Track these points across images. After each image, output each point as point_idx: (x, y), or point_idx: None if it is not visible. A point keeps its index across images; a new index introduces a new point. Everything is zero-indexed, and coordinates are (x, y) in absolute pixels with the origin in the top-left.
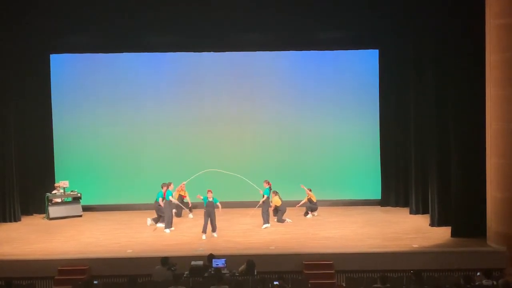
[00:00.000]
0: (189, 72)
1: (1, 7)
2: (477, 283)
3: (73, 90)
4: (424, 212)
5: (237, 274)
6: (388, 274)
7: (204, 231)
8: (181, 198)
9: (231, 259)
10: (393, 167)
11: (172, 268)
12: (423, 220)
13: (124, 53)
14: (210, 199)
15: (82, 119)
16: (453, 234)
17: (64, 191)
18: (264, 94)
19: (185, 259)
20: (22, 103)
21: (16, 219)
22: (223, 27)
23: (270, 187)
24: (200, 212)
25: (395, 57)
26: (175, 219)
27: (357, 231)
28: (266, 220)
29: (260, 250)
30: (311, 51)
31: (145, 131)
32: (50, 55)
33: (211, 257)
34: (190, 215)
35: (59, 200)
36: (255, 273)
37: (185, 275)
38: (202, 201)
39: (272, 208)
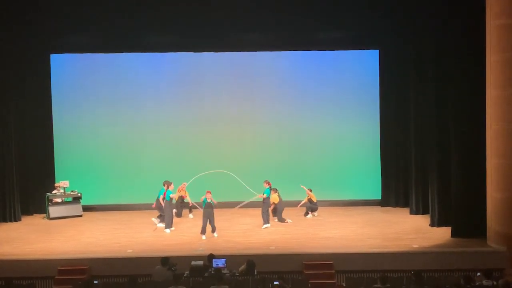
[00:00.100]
0: (189, 72)
1: (1, 7)
2: (477, 283)
3: (73, 90)
4: (424, 212)
5: (237, 274)
6: (388, 274)
7: (203, 232)
8: (181, 198)
9: (231, 259)
10: (393, 167)
11: (172, 268)
12: (423, 220)
13: (124, 53)
14: (209, 200)
15: (82, 119)
16: (453, 234)
17: (64, 191)
18: (264, 94)
19: (185, 259)
20: (22, 103)
21: (16, 219)
22: (223, 27)
23: (270, 187)
24: (201, 212)
25: (395, 57)
26: (175, 219)
27: (357, 231)
28: (266, 220)
29: (260, 250)
30: (311, 51)
31: (145, 131)
32: (50, 55)
33: (211, 257)
34: (190, 215)
35: (59, 200)
36: (255, 273)
37: (185, 275)
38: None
39: (272, 208)
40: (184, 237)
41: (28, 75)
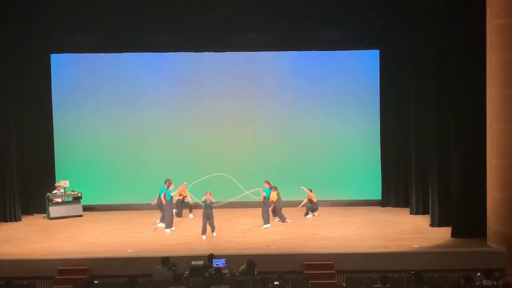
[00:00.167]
0: (189, 72)
1: (1, 7)
2: (477, 284)
3: (73, 90)
4: (425, 212)
5: (237, 274)
6: (389, 274)
7: (204, 232)
8: (182, 198)
9: (231, 259)
10: (393, 167)
11: (173, 268)
12: (423, 221)
13: (124, 53)
14: (208, 202)
15: (82, 119)
16: (453, 234)
17: (65, 191)
18: (264, 94)
19: (186, 259)
20: (22, 103)
21: (16, 218)
22: (223, 27)
23: (270, 187)
24: (201, 212)
25: (395, 57)
26: (175, 219)
27: (357, 231)
28: (266, 220)
29: (261, 250)
30: (311, 51)
31: (145, 131)
32: (51, 54)
33: (211, 257)
34: (191, 215)
35: (59, 200)
36: (255, 273)
37: (185, 275)
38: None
39: (271, 208)
40: (184, 237)
41: (28, 75)
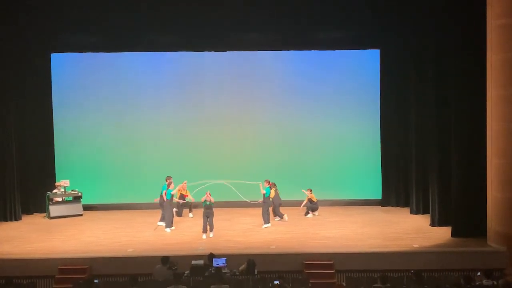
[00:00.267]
0: (189, 71)
1: (1, 7)
2: (477, 283)
3: (74, 89)
4: (425, 212)
5: (238, 274)
6: (389, 274)
7: (204, 231)
8: (182, 197)
9: (231, 258)
10: (393, 167)
11: (173, 268)
12: (423, 220)
13: (124, 53)
14: (208, 202)
15: (82, 118)
16: (454, 234)
17: (65, 190)
18: (264, 94)
19: (186, 259)
20: (23, 102)
21: (16, 218)
22: (223, 27)
23: (270, 187)
24: (201, 212)
25: (396, 57)
26: (175, 218)
27: (357, 230)
28: (267, 220)
29: (261, 249)
30: (311, 51)
31: (145, 130)
32: (51, 54)
33: (211, 256)
34: (190, 215)
35: (59, 199)
36: (256, 273)
37: (185, 274)
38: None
39: (271, 208)
40: (184, 236)
41: (28, 74)
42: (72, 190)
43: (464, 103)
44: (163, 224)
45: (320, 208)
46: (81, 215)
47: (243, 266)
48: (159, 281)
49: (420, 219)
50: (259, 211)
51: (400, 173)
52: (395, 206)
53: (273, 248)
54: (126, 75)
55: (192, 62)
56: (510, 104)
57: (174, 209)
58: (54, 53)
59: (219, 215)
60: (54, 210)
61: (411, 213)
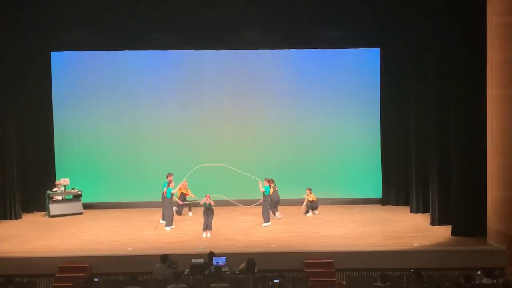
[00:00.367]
0: (189, 70)
1: (1, 5)
2: (477, 282)
3: (74, 88)
4: (425, 211)
5: (238, 272)
6: (389, 273)
7: (204, 229)
8: (183, 196)
9: (231, 257)
10: (393, 166)
11: (173, 266)
12: (423, 219)
13: (124, 51)
14: (207, 204)
15: (83, 117)
16: (454, 233)
17: (65, 189)
18: (264, 93)
19: (186, 257)
20: (23, 101)
21: (16, 216)
22: (223, 26)
23: (270, 186)
24: (201, 210)
25: (396, 56)
26: (175, 217)
27: (357, 229)
28: (267, 219)
29: (261, 248)
30: (312, 49)
31: (145, 129)
32: (51, 52)
33: (211, 255)
34: (190, 213)
35: (59, 197)
36: (256, 271)
37: (185, 273)
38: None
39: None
40: (184, 235)
41: (28, 73)
42: (72, 189)
43: (464, 103)
44: (163, 222)
45: (320, 206)
46: (81, 213)
47: (243, 264)
48: (159, 280)
49: (420, 218)
50: (259, 209)
51: (400, 172)
52: (395, 205)
53: (273, 247)
54: (126, 74)
55: (192, 61)
56: (510, 103)
57: (174, 208)
58: (55, 52)
59: (219, 214)
60: (54, 208)
61: (411, 212)
